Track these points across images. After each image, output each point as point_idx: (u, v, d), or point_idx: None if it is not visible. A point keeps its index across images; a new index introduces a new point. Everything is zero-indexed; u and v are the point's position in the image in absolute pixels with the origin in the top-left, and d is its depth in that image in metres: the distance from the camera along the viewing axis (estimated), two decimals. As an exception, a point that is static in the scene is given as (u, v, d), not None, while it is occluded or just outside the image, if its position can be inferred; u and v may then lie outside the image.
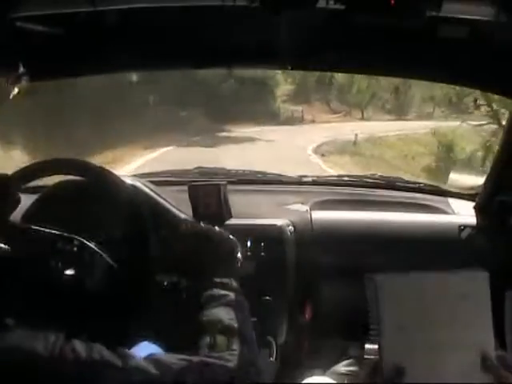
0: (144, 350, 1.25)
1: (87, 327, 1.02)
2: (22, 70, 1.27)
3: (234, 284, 1.17)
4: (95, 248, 1.24)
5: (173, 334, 1.22)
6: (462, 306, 1.27)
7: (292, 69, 1.64)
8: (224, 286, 1.14)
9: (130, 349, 1.02)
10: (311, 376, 1.62)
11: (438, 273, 1.31)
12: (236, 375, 0.94)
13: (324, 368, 1.69)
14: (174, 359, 0.91)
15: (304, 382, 1.55)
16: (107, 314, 1.19)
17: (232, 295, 1.13)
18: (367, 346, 1.42)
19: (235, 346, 0.98)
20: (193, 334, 1.03)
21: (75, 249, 1.22)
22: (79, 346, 0.86)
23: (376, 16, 1.04)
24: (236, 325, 1.04)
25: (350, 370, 1.58)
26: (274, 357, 1.69)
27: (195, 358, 0.93)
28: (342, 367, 1.61)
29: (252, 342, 1.06)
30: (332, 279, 1.77)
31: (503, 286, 1.67)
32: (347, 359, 1.63)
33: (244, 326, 1.07)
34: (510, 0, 1.03)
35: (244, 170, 2.15)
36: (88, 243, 1.23)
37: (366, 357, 1.47)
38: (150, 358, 0.91)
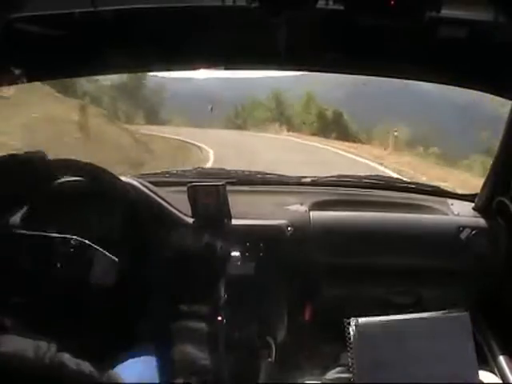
0: (131, 367, 1.24)
1: (80, 332, 1.02)
2: (21, 69, 1.27)
3: (209, 313, 1.15)
4: (93, 247, 1.24)
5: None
6: (442, 344, 1.32)
7: (292, 69, 1.64)
8: (200, 318, 1.13)
9: (116, 364, 1.01)
10: (311, 377, 1.63)
11: (417, 317, 1.39)
12: None
13: (322, 369, 1.69)
14: None
15: (299, 383, 1.55)
16: (104, 315, 1.19)
17: (206, 328, 1.11)
18: (352, 345, 1.44)
19: None
20: (168, 369, 1.03)
21: (72, 249, 1.22)
22: (68, 360, 0.86)
23: (375, 16, 1.04)
24: (208, 364, 1.04)
25: (340, 378, 1.59)
26: (273, 357, 1.70)
27: None
28: (334, 374, 1.62)
29: (222, 374, 1.06)
30: (331, 279, 1.77)
31: (503, 286, 1.68)
32: (339, 366, 1.64)
33: (217, 362, 1.07)
34: (508, 1, 1.04)
35: (243, 171, 2.15)
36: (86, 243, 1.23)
37: (343, 375, 1.48)
38: None
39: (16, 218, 1.46)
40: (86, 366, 0.86)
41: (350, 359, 1.36)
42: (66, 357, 0.86)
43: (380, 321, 1.41)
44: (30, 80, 1.40)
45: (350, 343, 1.37)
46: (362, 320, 1.40)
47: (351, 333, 1.38)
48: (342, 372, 1.61)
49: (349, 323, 1.40)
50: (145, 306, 1.30)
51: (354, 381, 1.36)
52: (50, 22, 1.24)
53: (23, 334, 0.89)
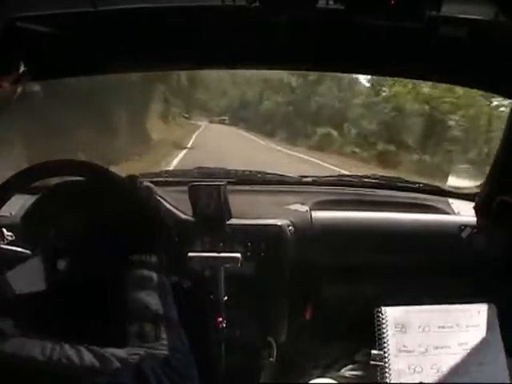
0: None
1: (79, 328, 1.02)
2: (22, 70, 1.27)
3: (158, 263, 1.16)
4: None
5: (102, 319, 1.20)
6: (469, 335, 1.35)
7: (291, 69, 1.64)
8: (149, 267, 1.13)
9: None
10: (311, 377, 1.63)
11: (445, 306, 1.44)
12: (169, 363, 0.96)
13: (323, 369, 1.69)
14: (125, 354, 0.92)
15: (310, 382, 1.56)
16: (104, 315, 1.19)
17: (156, 277, 1.12)
18: (373, 351, 1.46)
19: (163, 334, 1.00)
20: (121, 320, 1.03)
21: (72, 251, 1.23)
22: (70, 351, 0.87)
23: (376, 16, 1.04)
24: (162, 312, 1.04)
25: (354, 375, 1.60)
26: (274, 357, 1.70)
27: (141, 350, 0.94)
28: (347, 371, 1.62)
29: (177, 326, 1.06)
30: (332, 279, 1.77)
31: (503, 286, 1.68)
32: (352, 363, 1.64)
33: (169, 311, 1.07)
34: (509, 1, 1.03)
35: (244, 170, 2.15)
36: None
37: (372, 362, 1.49)
38: (114, 355, 0.91)
39: (17, 217, 1.47)
40: (90, 360, 0.87)
41: (377, 347, 1.44)
42: (71, 352, 0.87)
43: (409, 310, 1.49)
44: (31, 80, 1.40)
45: (379, 331, 1.46)
46: (392, 308, 1.49)
47: (381, 320, 1.46)
48: (355, 369, 1.62)
49: (379, 311, 1.49)
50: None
51: (382, 367, 1.43)
52: (51, 21, 1.24)
53: (27, 336, 0.89)
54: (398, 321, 1.48)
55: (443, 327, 1.44)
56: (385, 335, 1.46)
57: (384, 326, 1.47)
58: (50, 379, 0.84)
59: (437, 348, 1.40)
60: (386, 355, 1.43)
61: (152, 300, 1.07)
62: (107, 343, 0.95)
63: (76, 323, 1.11)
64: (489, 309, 1.45)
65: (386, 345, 1.44)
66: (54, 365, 0.85)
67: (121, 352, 0.93)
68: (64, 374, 0.84)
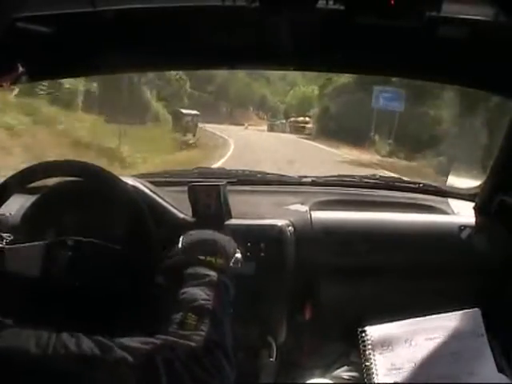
0: None
1: (81, 325, 1.02)
2: (21, 70, 1.27)
3: (220, 263, 1.15)
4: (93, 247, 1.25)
5: (149, 310, 1.21)
6: (456, 344, 1.34)
7: (291, 69, 1.64)
8: (208, 265, 1.12)
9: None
10: (311, 377, 1.63)
11: (429, 318, 1.43)
12: (197, 355, 0.93)
13: (323, 369, 1.69)
14: (137, 343, 0.91)
15: (308, 382, 1.56)
16: (103, 313, 1.19)
17: (214, 275, 1.11)
18: (367, 352, 1.46)
19: (204, 326, 0.97)
20: (168, 310, 1.03)
21: (70, 253, 1.23)
22: (68, 340, 0.86)
23: (376, 16, 1.04)
24: (209, 306, 1.02)
25: (351, 376, 1.59)
26: (274, 357, 1.70)
27: (159, 340, 0.92)
28: (343, 372, 1.62)
29: (223, 324, 1.03)
30: (332, 279, 1.77)
31: (503, 286, 1.68)
32: (348, 365, 1.64)
33: (218, 307, 1.04)
34: (509, 0, 1.03)
35: (244, 170, 2.15)
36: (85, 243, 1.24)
37: (365, 364, 1.49)
38: (120, 344, 0.89)
39: (17, 217, 1.47)
40: (88, 346, 0.86)
41: (364, 366, 1.41)
42: (66, 337, 0.86)
43: (393, 326, 1.46)
44: (31, 80, 1.40)
45: (364, 351, 1.43)
46: (375, 327, 1.45)
47: (366, 341, 1.44)
48: (350, 371, 1.62)
49: (362, 331, 1.46)
50: (145, 306, 1.30)
51: (368, 368, 1.40)
52: (51, 21, 1.24)
53: (23, 327, 0.89)
54: (384, 339, 1.44)
55: (429, 339, 1.43)
56: (371, 356, 1.43)
57: (370, 346, 1.44)
58: (44, 372, 0.83)
59: (427, 361, 1.39)
60: (376, 377, 1.39)
61: (202, 294, 1.04)
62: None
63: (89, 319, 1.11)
64: (473, 314, 1.44)
65: (373, 365, 1.41)
66: (49, 357, 0.84)
67: (131, 341, 0.91)
68: (60, 366, 0.84)
